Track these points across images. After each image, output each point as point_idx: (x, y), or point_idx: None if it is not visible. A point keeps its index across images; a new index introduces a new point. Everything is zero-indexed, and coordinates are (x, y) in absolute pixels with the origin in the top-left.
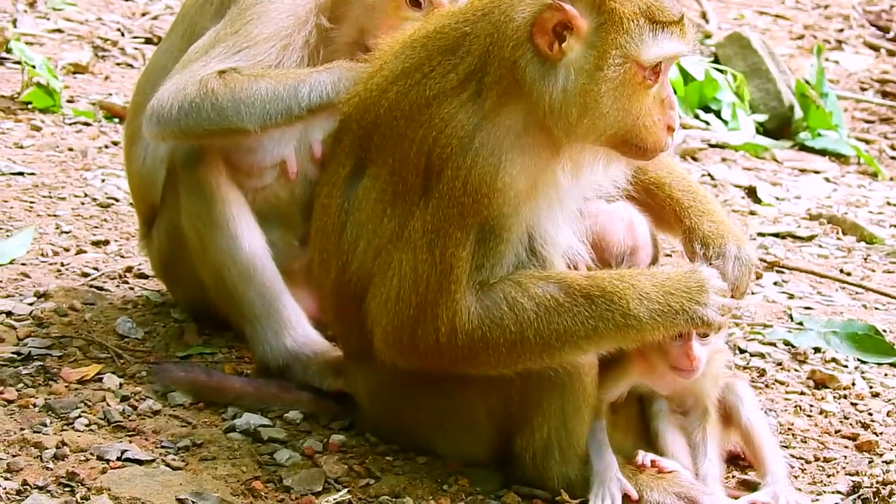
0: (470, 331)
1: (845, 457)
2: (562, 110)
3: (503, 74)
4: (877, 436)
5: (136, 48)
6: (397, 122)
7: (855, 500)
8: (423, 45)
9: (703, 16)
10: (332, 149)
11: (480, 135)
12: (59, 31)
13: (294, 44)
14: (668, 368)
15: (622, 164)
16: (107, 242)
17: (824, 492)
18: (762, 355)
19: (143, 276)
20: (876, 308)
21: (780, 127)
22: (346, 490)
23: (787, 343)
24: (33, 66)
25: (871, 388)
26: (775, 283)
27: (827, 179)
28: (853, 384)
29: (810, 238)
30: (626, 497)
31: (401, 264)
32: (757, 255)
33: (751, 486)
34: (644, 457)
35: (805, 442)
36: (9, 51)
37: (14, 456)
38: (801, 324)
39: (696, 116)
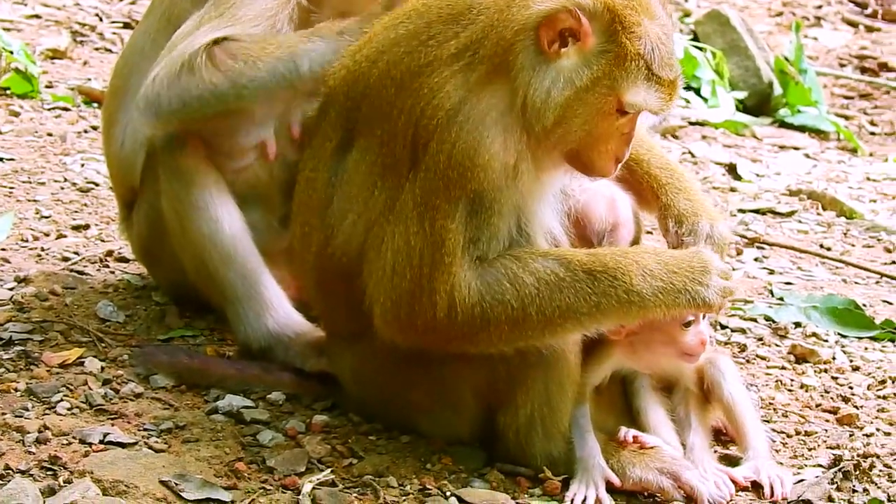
0: (470, 306)
1: (826, 430)
2: (540, 111)
3: (497, 52)
4: (857, 409)
5: (114, 33)
6: (387, 90)
7: (836, 473)
8: (423, 13)
9: None
10: (318, 122)
11: (465, 108)
12: (37, 16)
13: (280, 22)
14: (674, 355)
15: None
16: (87, 227)
17: (805, 465)
18: (743, 330)
19: (123, 259)
20: (856, 282)
21: (759, 104)
22: (329, 470)
23: (767, 318)
24: (11, 52)
25: (851, 361)
26: (756, 259)
27: (807, 155)
28: (833, 358)
29: (790, 214)
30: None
31: (393, 237)
32: (731, 233)
33: (732, 461)
34: (626, 433)
35: (786, 416)
36: None
37: None
38: (781, 299)
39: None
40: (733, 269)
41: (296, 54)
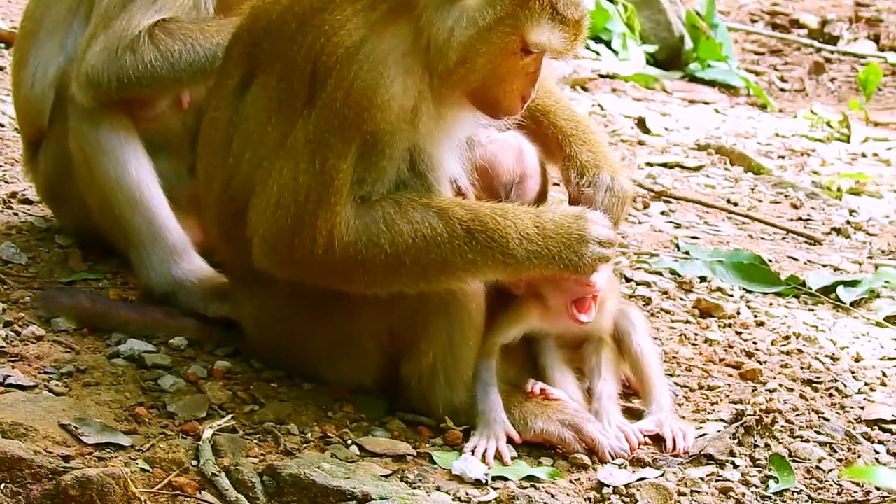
0: (346, 244)
1: (729, 385)
2: (443, 50)
3: None
4: (761, 364)
5: None
6: (288, 26)
7: (738, 428)
8: None
9: None
10: (223, 62)
11: (366, 47)
12: None
13: (205, 5)
14: (566, 314)
15: (475, 115)
16: None
17: (708, 420)
18: (648, 284)
19: (27, 201)
20: (762, 238)
21: (670, 58)
22: (230, 416)
23: (673, 272)
24: None
25: (755, 317)
26: (662, 213)
27: (716, 110)
28: (738, 313)
29: (698, 168)
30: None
31: (281, 172)
32: (633, 186)
33: (635, 415)
34: (534, 385)
35: (689, 370)
36: None
37: None
38: (687, 253)
39: (587, 47)
40: (639, 223)
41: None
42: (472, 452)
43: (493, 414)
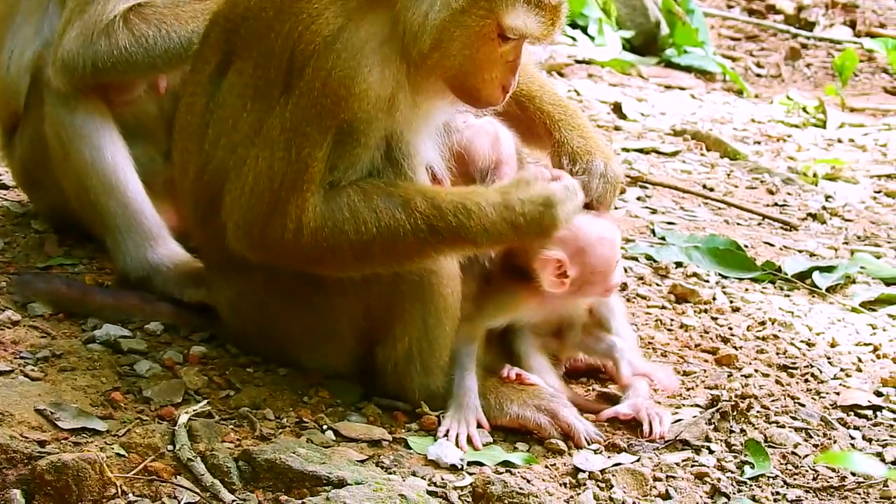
0: (314, 230)
1: (705, 370)
2: (417, 35)
3: None
4: (736, 350)
5: None
6: (266, 13)
7: (714, 413)
8: None
9: None
10: (200, 47)
11: (343, 36)
12: None
13: None
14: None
15: (454, 105)
16: None
17: (683, 405)
18: (624, 269)
19: (3, 186)
20: (738, 223)
21: (646, 43)
22: (205, 401)
23: (648, 257)
24: None
25: (731, 302)
26: (638, 198)
27: (692, 96)
28: (714, 299)
29: (674, 154)
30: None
31: (257, 160)
32: (623, 172)
33: (611, 400)
34: (510, 370)
35: (665, 356)
36: None
37: None
38: (663, 238)
39: (563, 32)
40: (616, 208)
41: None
42: (446, 436)
43: (465, 399)
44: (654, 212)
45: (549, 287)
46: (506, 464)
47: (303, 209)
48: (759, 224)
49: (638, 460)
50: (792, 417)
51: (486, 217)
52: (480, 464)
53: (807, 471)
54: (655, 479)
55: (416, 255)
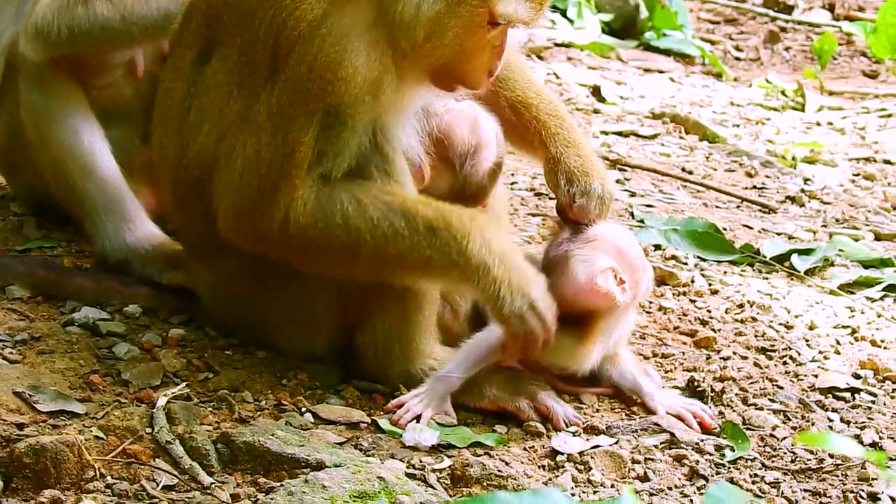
0: (304, 226)
1: (683, 353)
2: (410, 26)
3: None
4: (715, 332)
5: None
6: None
7: (692, 395)
8: None
9: None
10: (180, 32)
11: (328, 21)
12: None
13: None
14: None
15: (433, 92)
16: None
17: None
18: None
19: None
20: (716, 206)
21: (625, 26)
22: (184, 384)
23: None
24: None
25: (710, 285)
26: (617, 181)
27: (671, 79)
28: (692, 281)
29: (653, 137)
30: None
31: (244, 146)
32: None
33: (590, 380)
34: None
35: (644, 338)
36: None
37: None
38: (642, 221)
39: None
40: None
41: None
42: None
43: (444, 387)
44: (633, 195)
45: (619, 297)
46: (481, 445)
47: (292, 197)
48: (738, 207)
49: (616, 443)
50: (770, 400)
51: (487, 229)
52: (457, 447)
53: (785, 453)
54: (634, 461)
55: (403, 265)
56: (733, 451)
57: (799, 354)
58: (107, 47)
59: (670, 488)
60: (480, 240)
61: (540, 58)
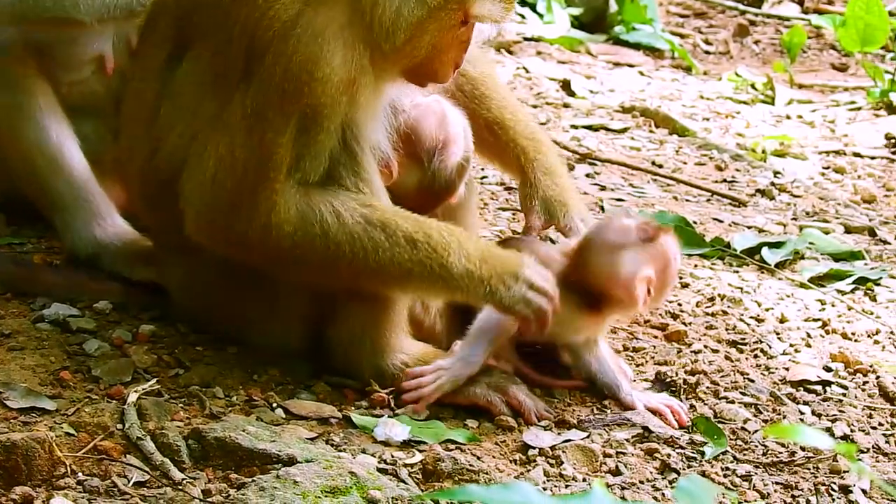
0: (284, 235)
1: (654, 347)
2: (390, 31)
3: None
4: (686, 326)
5: None
6: (221, 0)
7: (663, 389)
8: None
9: None
10: (147, 32)
11: (302, 21)
12: None
13: None
14: None
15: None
16: None
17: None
18: None
19: None
20: (687, 200)
21: (594, 20)
22: (155, 380)
23: None
24: None
25: (680, 278)
26: (587, 175)
27: (641, 73)
28: None
29: (623, 130)
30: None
31: (217, 147)
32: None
33: (562, 373)
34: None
35: (614, 332)
36: None
37: None
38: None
39: None
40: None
41: None
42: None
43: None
44: (603, 188)
45: (639, 305)
46: (452, 441)
47: (274, 202)
48: (708, 200)
49: (588, 436)
50: (741, 393)
51: (465, 240)
52: (426, 442)
53: (756, 446)
54: (605, 455)
55: (383, 275)
56: (712, 448)
57: (770, 347)
58: (55, 21)
59: (642, 482)
60: (459, 250)
61: (510, 52)
